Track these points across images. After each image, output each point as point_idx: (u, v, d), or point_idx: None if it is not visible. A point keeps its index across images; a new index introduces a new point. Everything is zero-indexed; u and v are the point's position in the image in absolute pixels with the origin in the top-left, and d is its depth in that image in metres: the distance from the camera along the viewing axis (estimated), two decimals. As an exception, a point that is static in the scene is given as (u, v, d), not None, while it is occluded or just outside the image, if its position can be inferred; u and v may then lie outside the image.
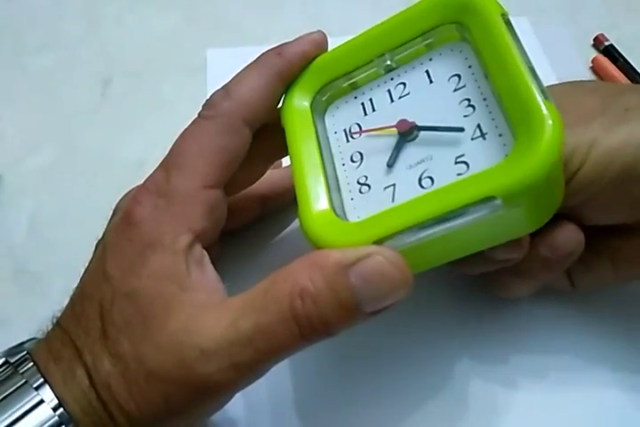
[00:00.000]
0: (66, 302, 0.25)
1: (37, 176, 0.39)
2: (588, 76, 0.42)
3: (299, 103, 0.26)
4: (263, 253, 0.34)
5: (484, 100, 0.22)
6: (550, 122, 0.19)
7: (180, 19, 0.46)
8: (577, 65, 0.42)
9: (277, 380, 0.29)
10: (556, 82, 0.39)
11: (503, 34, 0.22)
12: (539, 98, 0.20)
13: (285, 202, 0.33)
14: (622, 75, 0.41)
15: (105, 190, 0.38)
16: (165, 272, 0.22)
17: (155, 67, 0.44)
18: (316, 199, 0.23)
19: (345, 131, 0.26)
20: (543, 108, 0.20)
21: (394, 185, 0.23)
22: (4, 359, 0.23)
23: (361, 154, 0.25)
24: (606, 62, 0.42)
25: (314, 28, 0.45)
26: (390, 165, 0.24)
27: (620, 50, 0.42)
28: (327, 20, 0.46)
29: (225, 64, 0.43)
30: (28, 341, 0.25)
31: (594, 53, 0.43)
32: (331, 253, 0.21)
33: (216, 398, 0.22)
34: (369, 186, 0.24)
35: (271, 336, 0.20)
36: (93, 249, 0.26)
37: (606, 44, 0.42)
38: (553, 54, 0.42)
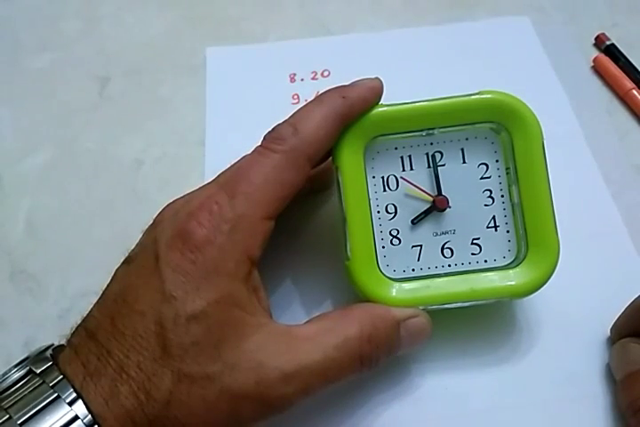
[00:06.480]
0: (64, 302, 0.24)
1: (35, 176, 0.38)
2: (590, 75, 0.42)
3: (353, 148, 0.27)
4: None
5: (502, 196, 0.28)
6: (559, 251, 0.27)
7: (179, 17, 0.46)
8: (578, 64, 0.42)
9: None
10: (557, 81, 0.40)
11: (542, 163, 0.26)
12: (556, 233, 0.27)
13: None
14: (623, 74, 0.41)
15: (103, 190, 0.38)
16: (232, 298, 0.24)
17: (153, 66, 0.43)
18: (366, 256, 0.27)
19: (383, 179, 0.28)
20: (558, 242, 0.27)
21: (420, 246, 0.28)
22: (28, 368, 0.23)
23: (395, 207, 0.28)
24: (607, 62, 0.41)
25: (313, 27, 0.46)
26: (414, 222, 0.28)
27: (621, 49, 0.42)
28: (326, 18, 0.46)
29: (224, 62, 0.43)
30: (47, 348, 0.25)
31: (595, 53, 0.43)
32: (391, 310, 0.26)
33: (277, 415, 0.24)
34: (400, 240, 0.28)
35: (340, 369, 0.24)
36: (127, 255, 0.26)
37: (607, 43, 0.42)
38: (554, 54, 0.41)
